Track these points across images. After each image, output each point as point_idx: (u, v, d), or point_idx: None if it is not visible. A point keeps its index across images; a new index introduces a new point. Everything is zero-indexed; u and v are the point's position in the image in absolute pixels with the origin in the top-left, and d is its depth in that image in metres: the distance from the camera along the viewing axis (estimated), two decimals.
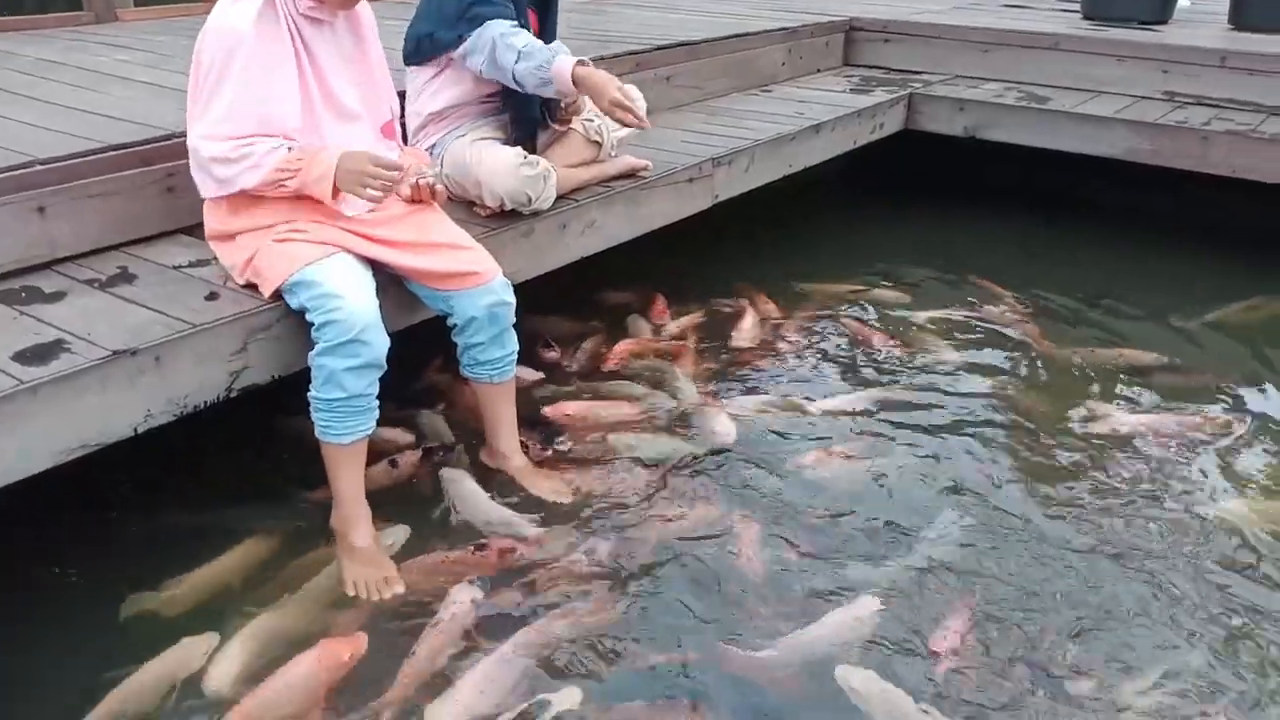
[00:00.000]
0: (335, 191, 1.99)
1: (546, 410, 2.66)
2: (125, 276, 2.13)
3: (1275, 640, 1.94)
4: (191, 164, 2.04)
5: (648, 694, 1.79)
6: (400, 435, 2.52)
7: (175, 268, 2.17)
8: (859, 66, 4.80)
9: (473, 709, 1.73)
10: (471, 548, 2.13)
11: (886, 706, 1.77)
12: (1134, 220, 4.13)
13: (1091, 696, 1.80)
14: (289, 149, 1.97)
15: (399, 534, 2.18)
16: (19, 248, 2.12)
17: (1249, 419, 2.72)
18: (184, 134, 2.26)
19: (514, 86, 2.40)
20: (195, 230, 2.27)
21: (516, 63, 2.33)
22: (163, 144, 2.34)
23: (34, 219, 2.13)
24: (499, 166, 2.44)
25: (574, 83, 2.31)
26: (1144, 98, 4.21)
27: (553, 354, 2.97)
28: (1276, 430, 2.68)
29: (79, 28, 4.26)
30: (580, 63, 2.32)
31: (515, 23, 2.40)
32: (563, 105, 2.60)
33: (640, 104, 2.44)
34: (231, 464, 2.39)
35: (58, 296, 2.03)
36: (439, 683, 1.79)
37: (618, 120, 2.41)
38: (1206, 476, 2.47)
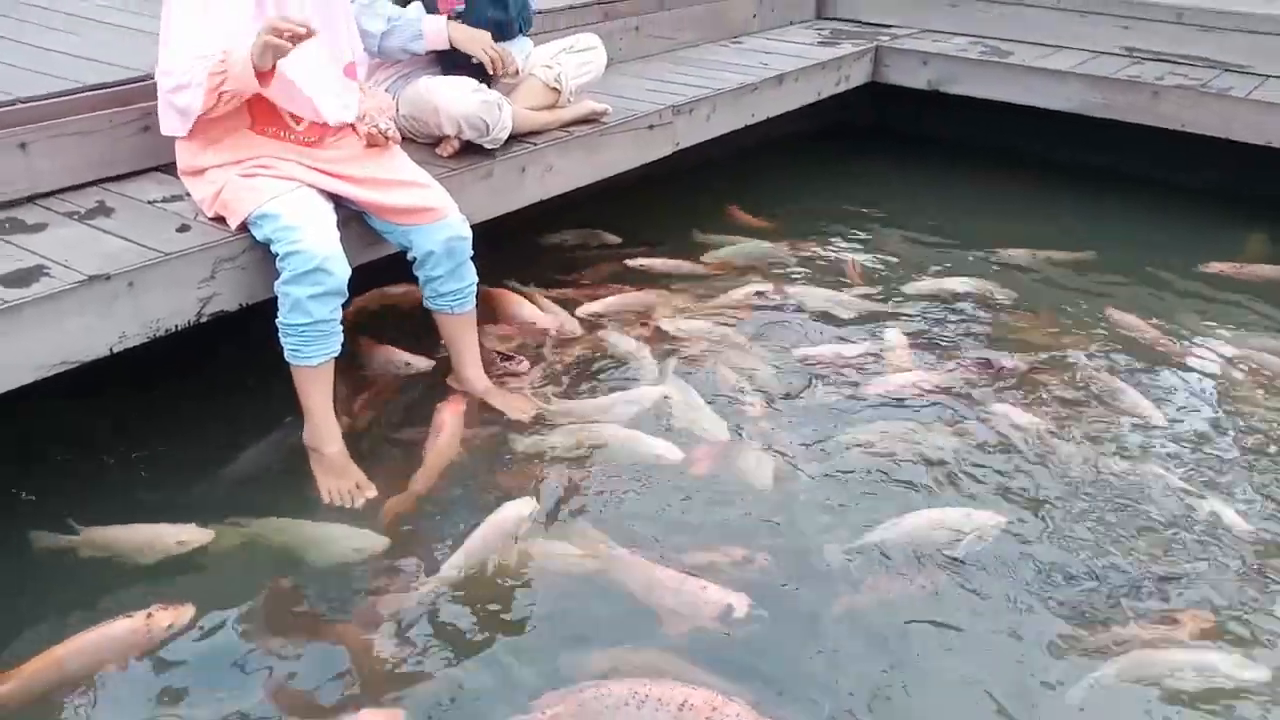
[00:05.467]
0: (265, 77, 2.04)
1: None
2: (103, 210, 2.26)
3: None
4: (159, 105, 2.16)
5: None
6: None
7: (150, 202, 2.31)
8: (831, 19, 4.88)
9: None
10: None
11: None
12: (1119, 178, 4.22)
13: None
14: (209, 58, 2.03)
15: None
16: (3, 182, 2.25)
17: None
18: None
19: (373, 53, 2.59)
20: (169, 168, 2.40)
21: (383, 38, 2.55)
22: (138, 85, 2.46)
23: (17, 155, 2.26)
24: (455, 93, 2.58)
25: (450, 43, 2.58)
26: (1104, 53, 4.31)
27: (515, 365, 2.72)
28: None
29: None
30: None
31: None
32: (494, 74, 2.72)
33: (510, 59, 2.69)
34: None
35: (39, 228, 2.17)
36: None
37: (492, 71, 2.64)
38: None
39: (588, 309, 3.04)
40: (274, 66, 2.04)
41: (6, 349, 1.81)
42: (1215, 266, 3.49)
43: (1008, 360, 2.82)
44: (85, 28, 3.13)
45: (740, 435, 2.48)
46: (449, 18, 2.60)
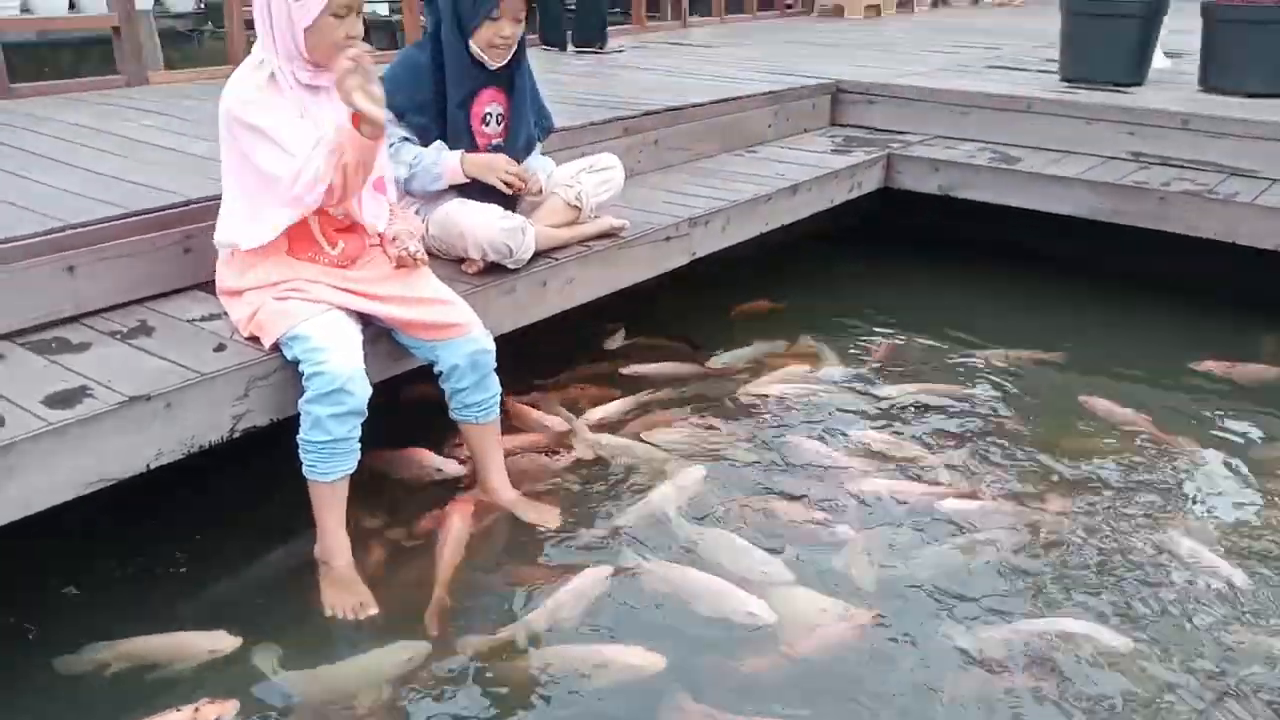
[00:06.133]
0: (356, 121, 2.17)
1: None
2: (144, 329, 2.38)
3: None
4: (239, 211, 2.29)
5: None
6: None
7: (189, 321, 2.43)
8: (844, 126, 5.05)
9: None
10: None
11: None
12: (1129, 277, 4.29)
13: None
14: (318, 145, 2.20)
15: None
16: (50, 302, 2.38)
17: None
18: (200, 200, 2.55)
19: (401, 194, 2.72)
20: (207, 286, 2.52)
21: (408, 181, 2.70)
22: (182, 209, 2.61)
23: (64, 277, 2.39)
24: (480, 219, 2.71)
25: (466, 175, 2.72)
26: (1112, 158, 4.43)
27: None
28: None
29: (112, 91, 4.56)
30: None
31: (404, 135, 2.71)
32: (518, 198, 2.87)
33: (534, 178, 2.83)
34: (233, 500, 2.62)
35: (83, 347, 2.28)
36: None
37: (513, 191, 2.77)
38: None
39: (596, 415, 3.11)
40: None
41: (52, 468, 1.90)
42: (1239, 367, 3.55)
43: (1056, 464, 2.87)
44: (134, 149, 3.31)
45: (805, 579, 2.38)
46: (487, 149, 2.77)
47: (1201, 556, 2.47)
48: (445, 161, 2.72)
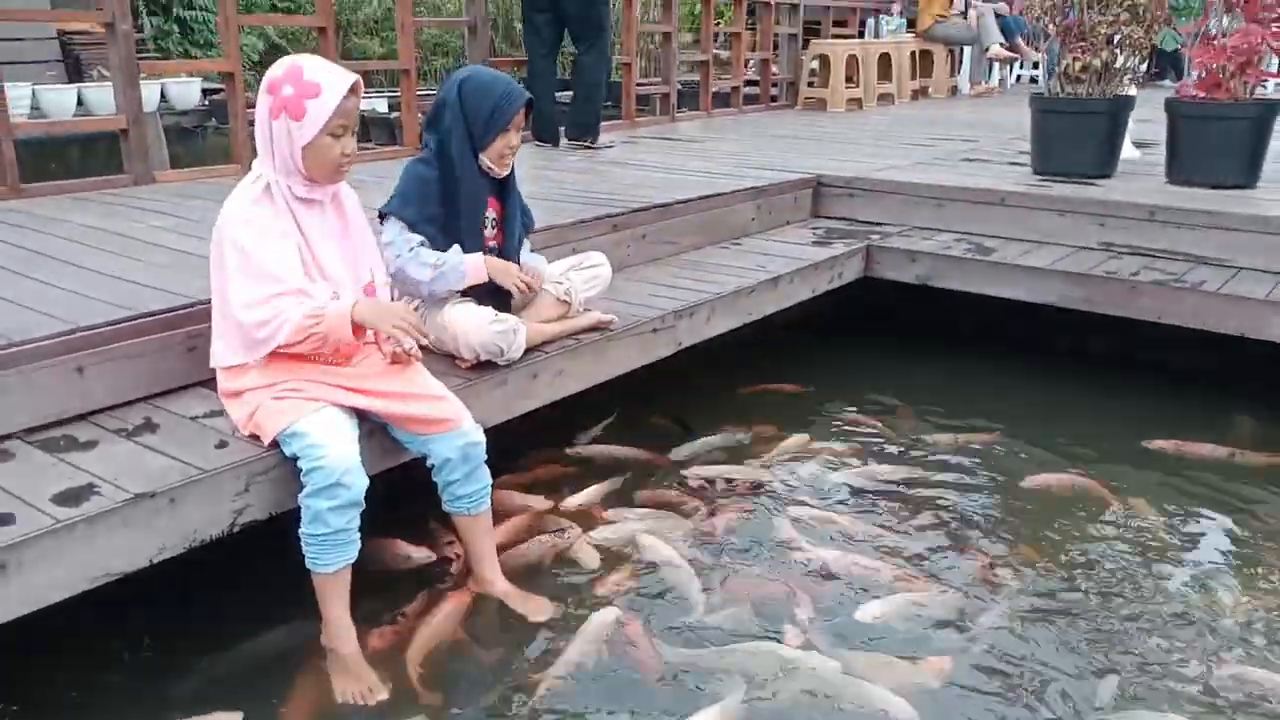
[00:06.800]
0: (357, 329, 2.37)
1: None
2: (149, 426, 2.48)
3: None
4: (228, 337, 2.41)
5: None
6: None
7: (192, 418, 2.53)
8: (826, 218, 5.23)
9: None
10: None
11: None
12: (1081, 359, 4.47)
13: None
14: (303, 303, 2.33)
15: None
16: (59, 402, 2.48)
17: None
18: (205, 301, 2.67)
19: (424, 296, 2.90)
20: (210, 384, 2.63)
21: (432, 281, 2.84)
22: (188, 310, 2.73)
23: (74, 378, 2.50)
24: (472, 324, 2.83)
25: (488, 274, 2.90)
26: (1083, 247, 4.59)
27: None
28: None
29: (119, 190, 4.72)
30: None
31: (421, 239, 2.86)
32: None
33: (537, 279, 3.06)
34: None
35: (90, 445, 2.38)
36: None
37: (521, 291, 2.97)
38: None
39: (575, 500, 3.20)
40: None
41: (59, 564, 1.98)
42: (1188, 445, 3.68)
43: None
44: (142, 251, 3.45)
45: None
46: (487, 251, 2.94)
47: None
48: (470, 263, 2.86)
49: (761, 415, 3.93)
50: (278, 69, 2.39)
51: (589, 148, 6.32)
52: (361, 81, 2.43)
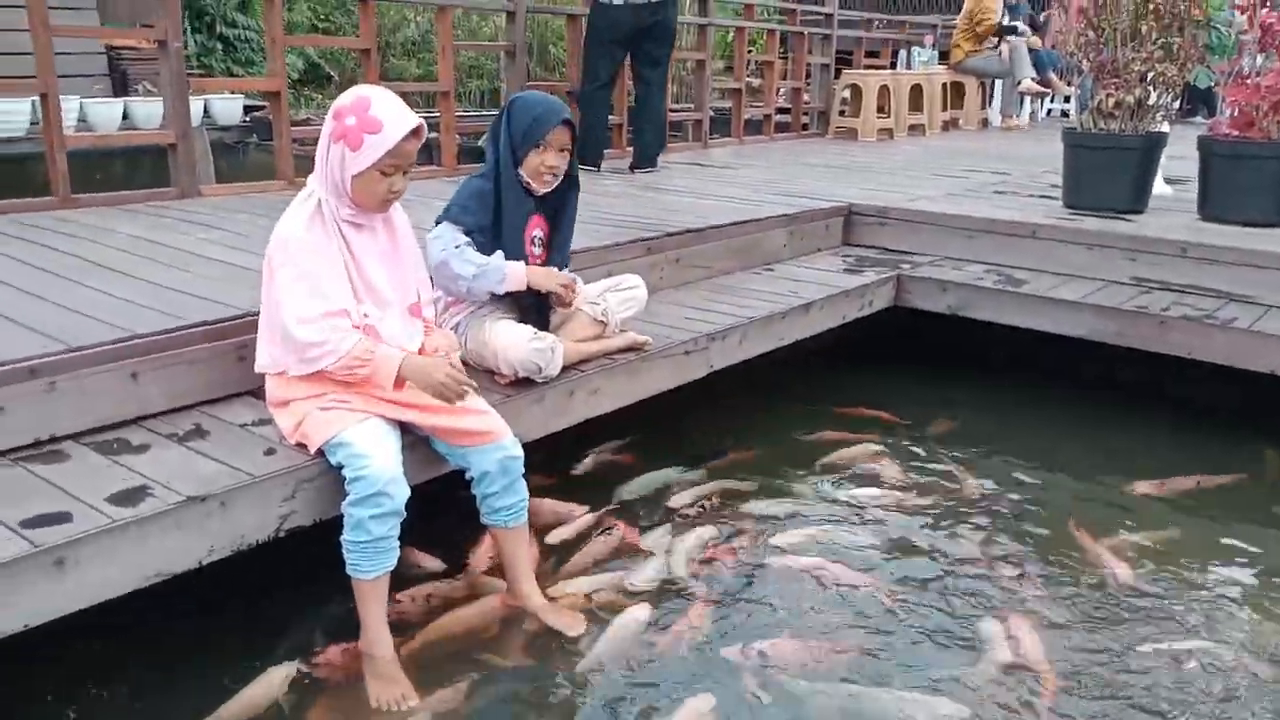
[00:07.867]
0: (400, 383, 2.45)
1: None
2: (200, 432, 2.56)
3: None
4: (278, 348, 2.48)
5: None
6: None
7: (242, 426, 2.61)
8: (857, 246, 5.28)
9: None
10: None
11: None
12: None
13: None
14: (359, 341, 2.42)
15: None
16: (114, 406, 2.57)
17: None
18: (254, 313, 2.75)
19: (462, 294, 2.96)
20: (259, 392, 2.70)
21: (473, 278, 2.90)
22: (237, 321, 2.82)
23: (129, 383, 2.59)
24: (512, 341, 2.91)
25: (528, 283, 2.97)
26: (1114, 282, 4.62)
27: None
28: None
29: (166, 202, 4.84)
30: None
31: (469, 240, 2.93)
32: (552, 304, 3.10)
33: (574, 290, 3.08)
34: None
35: (143, 449, 2.46)
36: None
37: (566, 298, 3.04)
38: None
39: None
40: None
41: (113, 563, 2.06)
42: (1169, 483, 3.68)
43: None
44: (189, 262, 3.55)
45: None
46: (529, 263, 3.01)
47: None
48: (511, 267, 2.94)
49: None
50: (347, 97, 2.47)
51: (637, 173, 6.46)
52: (425, 126, 2.50)
